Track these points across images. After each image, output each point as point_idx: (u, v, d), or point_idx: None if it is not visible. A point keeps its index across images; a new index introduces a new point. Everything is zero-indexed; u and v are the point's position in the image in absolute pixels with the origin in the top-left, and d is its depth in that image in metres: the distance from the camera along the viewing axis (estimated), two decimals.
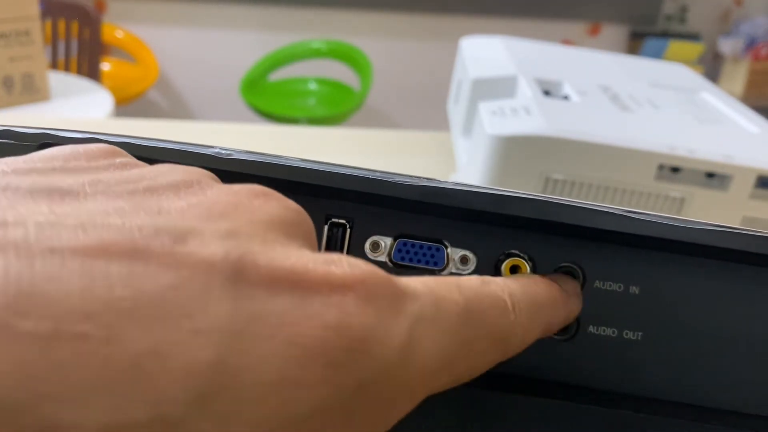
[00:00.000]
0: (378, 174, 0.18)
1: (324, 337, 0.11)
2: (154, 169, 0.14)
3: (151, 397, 0.09)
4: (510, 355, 0.16)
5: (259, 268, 0.11)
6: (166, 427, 0.09)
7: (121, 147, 0.18)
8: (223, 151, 0.18)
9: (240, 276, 0.11)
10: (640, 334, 0.19)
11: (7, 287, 0.09)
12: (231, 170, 0.18)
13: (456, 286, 0.15)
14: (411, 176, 0.18)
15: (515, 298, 0.16)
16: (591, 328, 0.19)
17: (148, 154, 0.18)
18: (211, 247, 0.11)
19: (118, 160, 0.14)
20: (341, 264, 0.12)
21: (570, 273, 0.19)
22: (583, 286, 0.19)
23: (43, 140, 0.19)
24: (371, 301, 0.12)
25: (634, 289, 0.19)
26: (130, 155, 0.15)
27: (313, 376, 0.11)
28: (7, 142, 0.19)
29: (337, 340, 0.11)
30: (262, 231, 0.13)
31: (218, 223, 0.12)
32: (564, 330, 0.19)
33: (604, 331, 0.19)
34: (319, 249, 0.19)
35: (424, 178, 0.18)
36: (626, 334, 0.19)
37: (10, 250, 0.09)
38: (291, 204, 0.14)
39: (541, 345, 0.19)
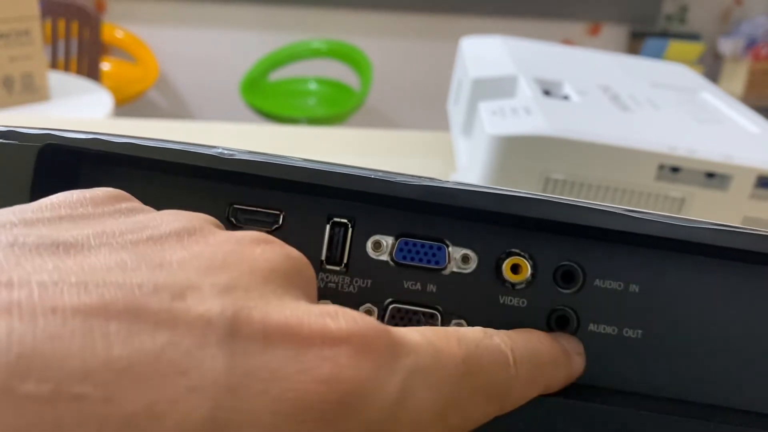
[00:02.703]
0: (380, 174, 0.19)
1: (315, 391, 0.11)
2: (158, 216, 0.14)
3: None
4: (507, 410, 0.16)
5: (254, 323, 0.12)
6: None
7: (124, 147, 0.19)
8: (226, 151, 0.19)
9: (236, 331, 0.11)
10: (640, 332, 0.19)
11: (9, 350, 0.09)
12: (234, 170, 0.18)
13: (456, 339, 0.15)
14: (412, 176, 0.19)
15: (517, 354, 0.16)
16: (591, 327, 0.19)
17: (152, 154, 0.19)
18: (208, 303, 0.11)
19: (123, 205, 0.15)
20: (336, 317, 0.13)
21: (570, 272, 0.19)
22: (583, 285, 0.19)
23: (47, 141, 0.19)
24: (365, 354, 0.12)
25: (634, 288, 0.19)
26: (135, 199, 0.15)
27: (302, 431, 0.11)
28: (10, 143, 0.19)
29: (329, 394, 0.11)
30: (261, 283, 0.13)
31: (217, 276, 0.12)
32: (564, 328, 0.19)
33: (604, 329, 0.19)
34: (321, 248, 0.20)
35: (426, 177, 0.19)
36: (626, 332, 0.19)
37: (14, 312, 0.10)
38: (292, 252, 0.15)
39: None
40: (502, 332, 0.16)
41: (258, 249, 0.14)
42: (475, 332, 0.16)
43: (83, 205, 0.14)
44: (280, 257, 0.14)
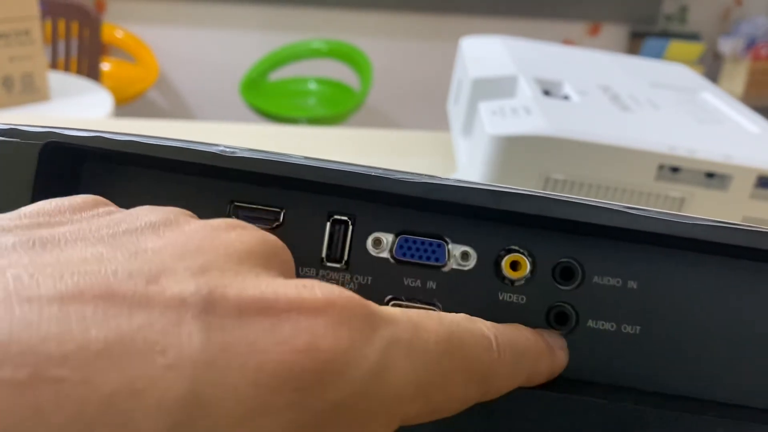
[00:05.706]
0: (380, 171, 0.19)
1: (293, 361, 0.11)
2: (134, 212, 0.14)
3: None
4: (490, 396, 0.16)
5: (229, 299, 0.12)
6: None
7: (126, 145, 0.19)
8: (227, 149, 0.19)
9: (210, 308, 0.11)
10: (638, 328, 0.19)
11: None
12: (235, 168, 0.18)
13: (437, 318, 0.15)
14: (412, 173, 0.19)
15: (500, 339, 0.16)
16: (590, 323, 0.19)
17: (154, 152, 0.19)
18: (182, 284, 0.12)
19: (101, 209, 0.15)
20: (312, 288, 0.13)
21: (569, 268, 0.19)
22: (582, 281, 0.19)
23: (49, 139, 0.19)
24: (343, 324, 0.12)
25: (633, 284, 0.19)
26: (113, 204, 0.15)
27: (281, 402, 0.11)
28: (12, 141, 0.19)
29: (307, 364, 0.12)
30: (236, 263, 0.13)
31: (192, 259, 0.12)
32: (563, 324, 0.19)
33: (603, 325, 0.19)
34: (322, 246, 0.20)
35: (426, 175, 0.19)
36: (625, 328, 0.19)
37: None
38: (268, 236, 0.15)
39: None
40: (486, 321, 0.17)
41: (233, 233, 0.14)
42: (458, 315, 0.16)
43: (61, 212, 0.14)
44: (255, 240, 0.14)
